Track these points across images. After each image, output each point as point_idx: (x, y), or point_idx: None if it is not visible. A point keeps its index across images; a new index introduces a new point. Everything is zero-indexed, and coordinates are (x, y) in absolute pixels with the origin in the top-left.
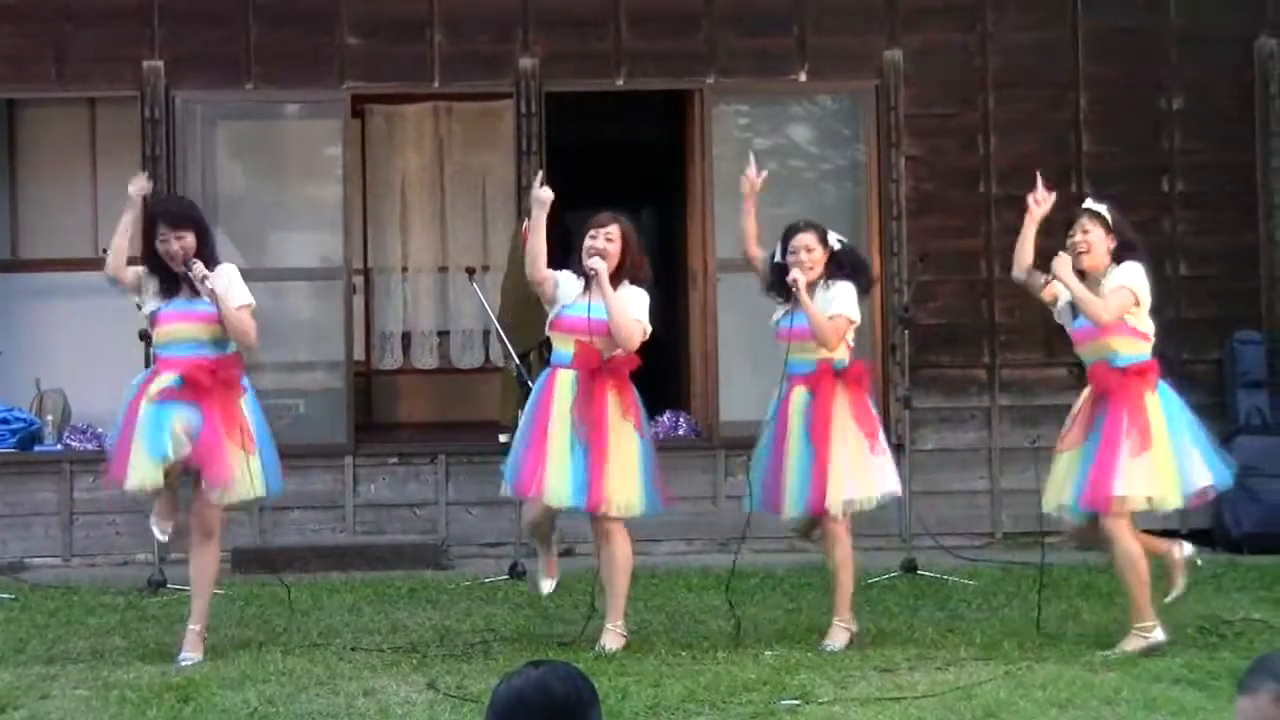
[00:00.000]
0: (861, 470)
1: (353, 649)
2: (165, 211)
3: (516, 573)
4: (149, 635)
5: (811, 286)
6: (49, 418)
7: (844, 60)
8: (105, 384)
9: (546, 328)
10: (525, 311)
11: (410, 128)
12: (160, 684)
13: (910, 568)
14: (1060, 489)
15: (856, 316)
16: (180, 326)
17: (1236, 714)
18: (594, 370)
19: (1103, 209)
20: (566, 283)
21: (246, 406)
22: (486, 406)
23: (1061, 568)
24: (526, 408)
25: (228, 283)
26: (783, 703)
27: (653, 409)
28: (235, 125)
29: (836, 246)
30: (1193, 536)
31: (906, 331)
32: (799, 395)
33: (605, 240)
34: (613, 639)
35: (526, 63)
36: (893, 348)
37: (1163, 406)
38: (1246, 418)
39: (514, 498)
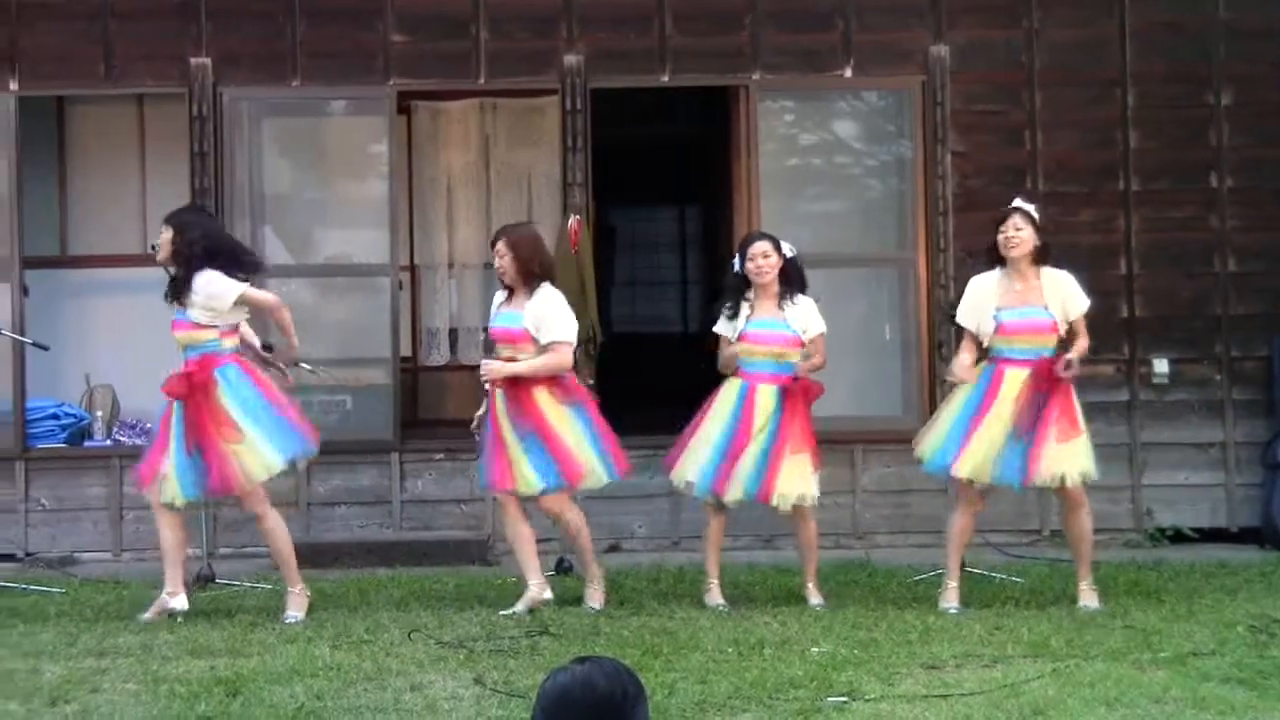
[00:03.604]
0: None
1: (400, 644)
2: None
3: (562, 568)
4: (198, 630)
5: (769, 290)
6: (98, 413)
7: (889, 56)
8: (154, 379)
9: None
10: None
11: (455, 124)
12: (209, 678)
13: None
14: (984, 463)
15: (824, 328)
16: (184, 334)
17: None
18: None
19: (1032, 209)
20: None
21: (226, 395)
22: None
23: (1109, 565)
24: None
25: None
26: (830, 700)
27: (697, 407)
28: (282, 122)
29: (789, 254)
30: (1242, 535)
31: (953, 328)
32: (768, 393)
33: (497, 258)
34: (600, 595)
35: (571, 59)
36: (939, 344)
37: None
38: None
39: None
